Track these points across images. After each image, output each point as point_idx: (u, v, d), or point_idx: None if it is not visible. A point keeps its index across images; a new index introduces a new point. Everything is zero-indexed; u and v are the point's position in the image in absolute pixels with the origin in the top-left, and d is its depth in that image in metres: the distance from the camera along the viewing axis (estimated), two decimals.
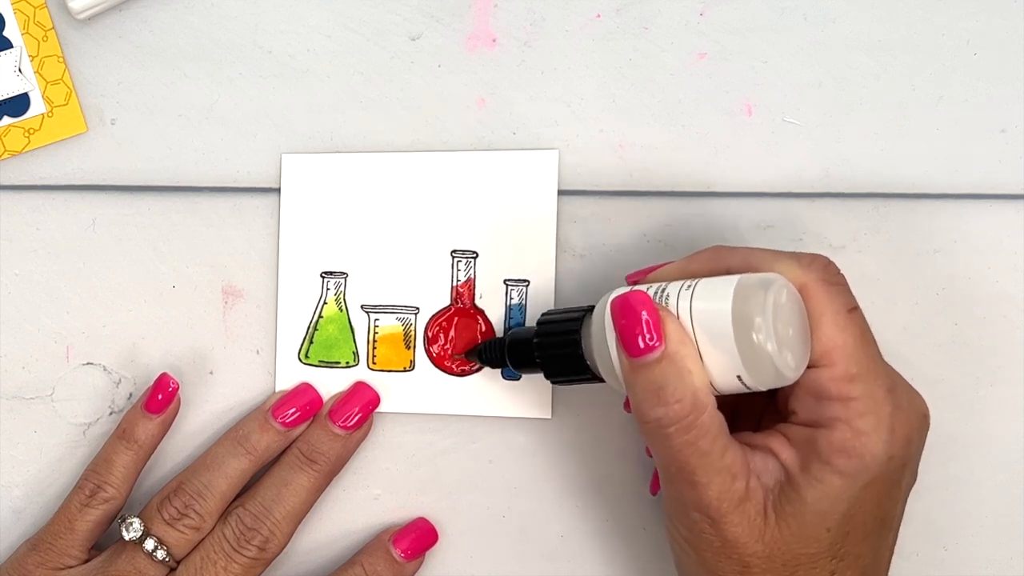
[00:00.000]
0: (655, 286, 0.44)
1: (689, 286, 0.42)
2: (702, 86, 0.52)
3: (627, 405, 0.50)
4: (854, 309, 0.43)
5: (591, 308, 0.47)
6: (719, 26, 0.52)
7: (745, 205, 0.52)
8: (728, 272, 0.44)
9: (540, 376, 0.52)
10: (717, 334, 0.41)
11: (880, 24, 0.52)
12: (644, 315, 0.42)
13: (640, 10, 0.53)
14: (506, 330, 0.53)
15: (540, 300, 0.53)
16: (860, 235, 0.52)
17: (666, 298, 0.43)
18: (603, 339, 0.44)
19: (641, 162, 0.53)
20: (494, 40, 0.53)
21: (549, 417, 0.53)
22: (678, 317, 0.42)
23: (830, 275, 0.43)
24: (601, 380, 0.46)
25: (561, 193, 0.53)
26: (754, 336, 0.40)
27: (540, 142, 0.53)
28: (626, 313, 0.42)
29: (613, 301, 0.43)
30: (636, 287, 0.44)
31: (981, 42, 0.52)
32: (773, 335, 0.40)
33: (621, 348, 0.42)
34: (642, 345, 0.42)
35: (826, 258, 0.43)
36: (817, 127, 0.52)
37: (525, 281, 0.53)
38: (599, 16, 0.53)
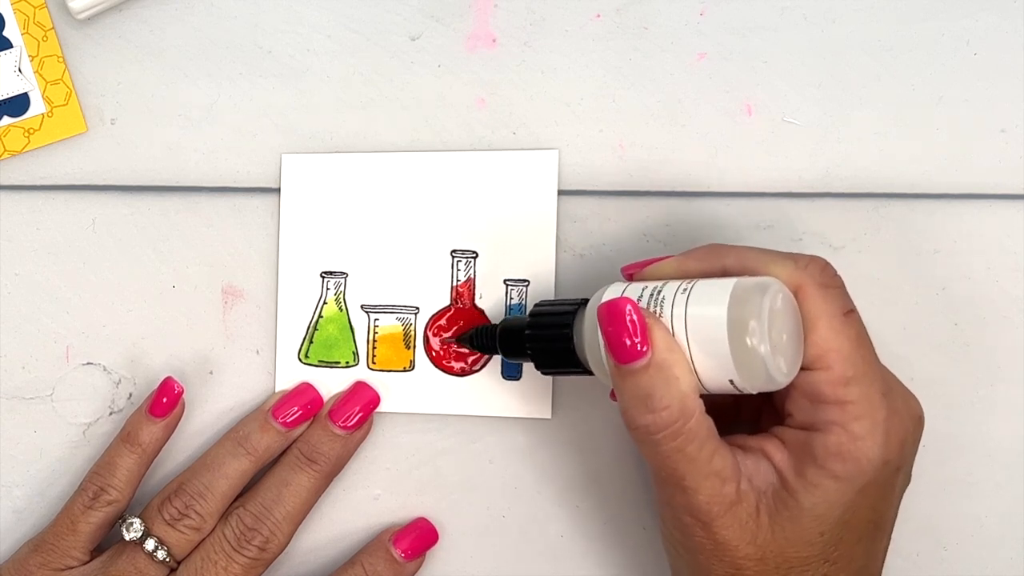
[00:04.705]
0: (651, 285, 0.44)
1: (685, 289, 0.42)
2: (702, 86, 0.52)
3: (612, 395, 0.50)
4: (850, 312, 0.43)
5: (585, 301, 0.47)
6: (719, 26, 0.52)
7: (745, 205, 0.52)
8: (724, 270, 0.44)
9: (540, 375, 0.52)
10: (711, 339, 0.41)
11: (880, 24, 0.52)
12: (630, 322, 0.41)
13: (640, 10, 0.53)
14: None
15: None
16: (860, 235, 0.52)
17: (661, 300, 0.42)
18: (595, 335, 0.44)
19: (641, 162, 0.53)
20: (494, 40, 0.53)
21: (549, 417, 0.53)
22: (672, 320, 0.42)
23: (827, 278, 0.43)
24: (592, 373, 0.46)
25: (561, 193, 0.53)
26: (748, 340, 0.40)
27: (540, 142, 0.53)
28: (613, 320, 0.42)
29: (600, 308, 0.43)
30: (629, 284, 0.44)
31: (981, 42, 0.52)
32: (767, 340, 0.40)
33: (609, 354, 0.42)
34: (629, 353, 0.42)
35: (823, 260, 0.43)
36: (817, 127, 0.52)
37: (525, 281, 0.53)
38: (599, 16, 0.53)
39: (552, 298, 0.51)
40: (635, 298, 0.43)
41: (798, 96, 0.52)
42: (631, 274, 0.47)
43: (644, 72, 0.53)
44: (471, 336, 0.51)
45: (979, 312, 0.52)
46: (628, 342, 0.41)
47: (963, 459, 0.52)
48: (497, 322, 0.51)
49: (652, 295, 0.43)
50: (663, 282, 0.44)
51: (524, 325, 0.48)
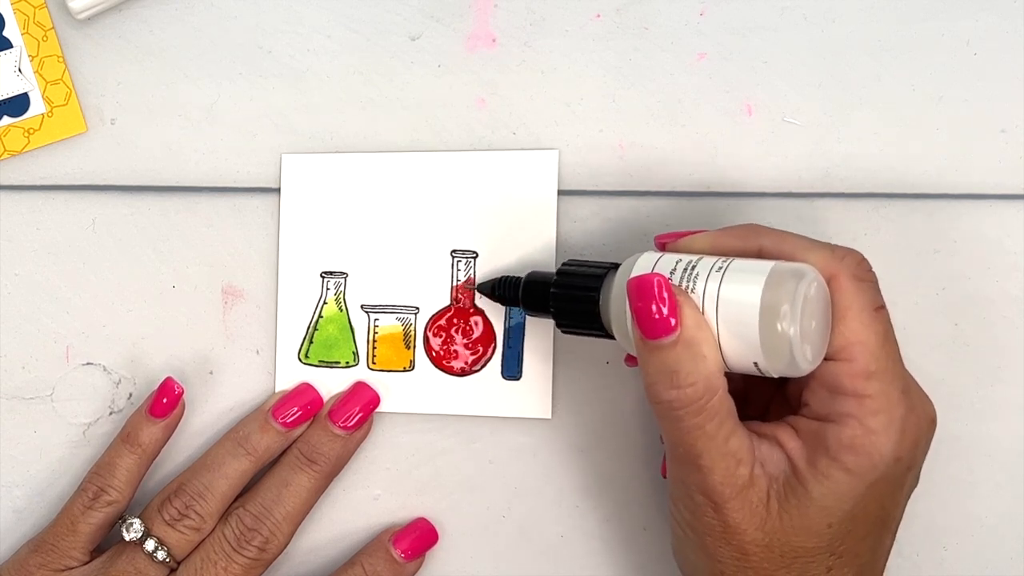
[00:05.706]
0: (684, 259, 0.43)
1: (720, 267, 0.42)
2: (702, 86, 0.52)
3: (628, 360, 0.50)
4: (880, 308, 0.43)
5: (615, 265, 0.46)
6: (719, 26, 0.52)
7: (745, 205, 0.52)
8: (759, 251, 0.44)
9: (540, 375, 0.52)
10: (741, 320, 0.41)
11: (880, 24, 0.52)
12: (661, 298, 0.42)
13: (640, 10, 0.53)
14: (506, 332, 0.53)
15: None
16: (860, 235, 0.52)
17: (695, 276, 0.42)
18: (622, 303, 0.44)
19: (641, 162, 0.53)
20: (494, 40, 0.53)
21: (549, 417, 0.53)
22: (704, 296, 0.42)
23: (862, 271, 0.43)
24: (612, 337, 0.46)
25: (561, 193, 0.53)
26: (778, 325, 0.40)
27: (540, 142, 0.53)
28: (643, 295, 0.42)
29: (630, 282, 0.43)
30: (662, 255, 0.44)
31: (981, 42, 0.52)
32: (797, 326, 0.40)
33: (636, 328, 0.42)
34: (658, 328, 0.42)
35: (860, 254, 0.44)
36: (817, 127, 0.52)
37: None
38: (599, 16, 0.53)
39: (582, 258, 0.50)
40: (668, 271, 0.43)
41: (798, 96, 0.52)
42: (664, 243, 0.47)
43: (644, 72, 0.53)
44: (493, 285, 0.51)
45: (979, 312, 0.52)
46: (658, 318, 0.42)
47: (963, 459, 0.52)
48: (517, 275, 0.50)
49: (686, 269, 0.43)
50: (698, 257, 0.43)
51: (550, 281, 0.48)
